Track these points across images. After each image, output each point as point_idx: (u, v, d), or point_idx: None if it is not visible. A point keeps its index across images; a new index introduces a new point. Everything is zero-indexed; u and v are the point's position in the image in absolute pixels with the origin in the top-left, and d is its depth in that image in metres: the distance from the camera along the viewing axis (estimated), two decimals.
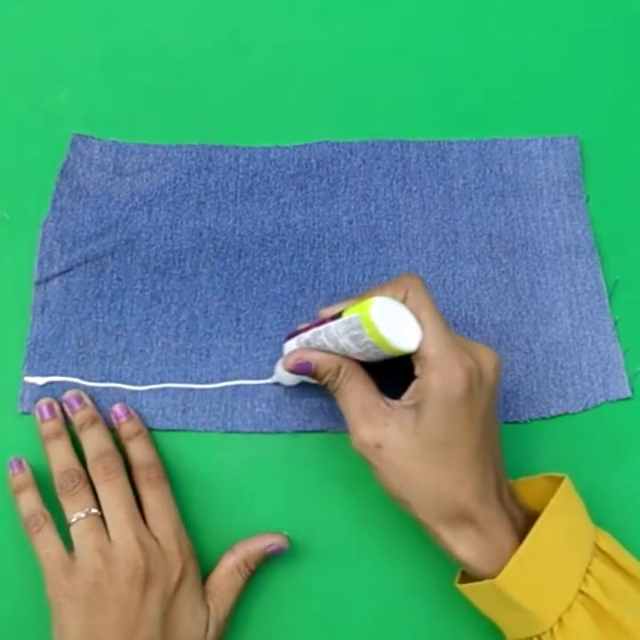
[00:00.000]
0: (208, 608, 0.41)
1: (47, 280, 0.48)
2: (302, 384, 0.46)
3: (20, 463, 0.43)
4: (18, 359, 0.47)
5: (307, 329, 0.41)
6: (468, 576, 0.39)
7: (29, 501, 0.42)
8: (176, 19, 0.55)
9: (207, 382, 0.47)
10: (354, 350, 0.38)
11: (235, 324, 0.48)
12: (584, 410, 0.47)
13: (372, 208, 0.50)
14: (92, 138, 0.51)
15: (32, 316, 0.47)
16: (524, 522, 0.39)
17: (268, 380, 0.47)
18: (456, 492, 0.37)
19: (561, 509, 0.38)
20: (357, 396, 0.39)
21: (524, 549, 0.37)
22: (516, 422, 0.46)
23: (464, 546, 0.38)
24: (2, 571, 0.43)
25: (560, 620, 0.37)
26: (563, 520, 0.38)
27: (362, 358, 0.39)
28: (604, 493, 0.45)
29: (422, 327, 0.38)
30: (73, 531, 0.40)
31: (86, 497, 0.41)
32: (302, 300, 0.48)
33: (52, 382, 0.46)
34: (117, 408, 0.45)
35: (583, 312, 0.48)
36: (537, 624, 0.37)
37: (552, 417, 0.47)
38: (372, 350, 0.38)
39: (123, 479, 0.42)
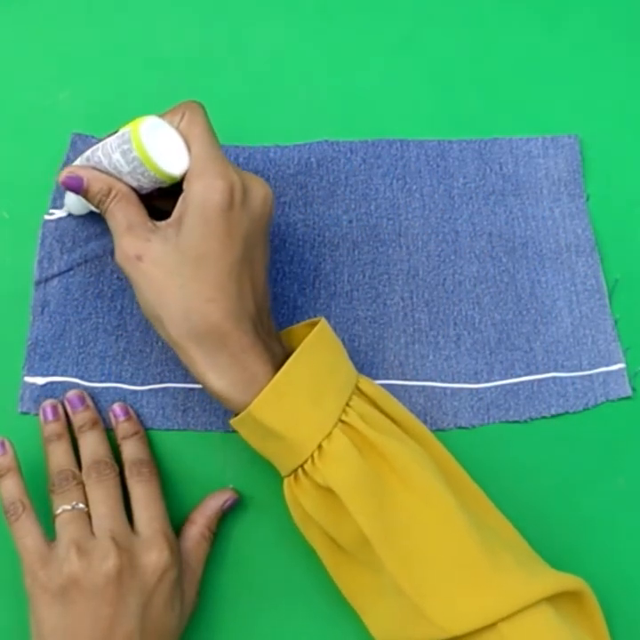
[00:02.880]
0: (184, 592, 0.41)
1: (47, 280, 0.48)
2: None
3: (2, 445, 0.43)
4: (18, 359, 0.47)
5: None
6: None
7: (9, 488, 0.41)
8: (176, 19, 0.55)
9: None
10: (125, 169, 0.39)
11: None
12: (584, 409, 0.47)
13: (372, 207, 0.50)
14: (92, 137, 0.51)
15: (32, 315, 0.47)
16: (283, 359, 0.39)
17: (62, 212, 0.48)
18: (207, 310, 0.37)
19: (317, 346, 0.39)
20: (125, 215, 0.39)
21: (279, 377, 0.37)
22: (516, 422, 0.46)
23: (215, 373, 0.38)
24: None
25: (320, 446, 0.38)
26: (319, 355, 0.39)
27: (133, 182, 0.40)
28: (603, 493, 0.45)
29: (191, 145, 0.38)
30: (57, 522, 0.40)
31: (76, 493, 0.41)
32: (302, 299, 0.48)
33: (52, 382, 0.46)
34: (117, 407, 0.45)
35: (583, 311, 0.48)
36: (299, 452, 0.38)
37: (552, 416, 0.47)
38: (139, 169, 0.38)
39: (114, 482, 0.42)
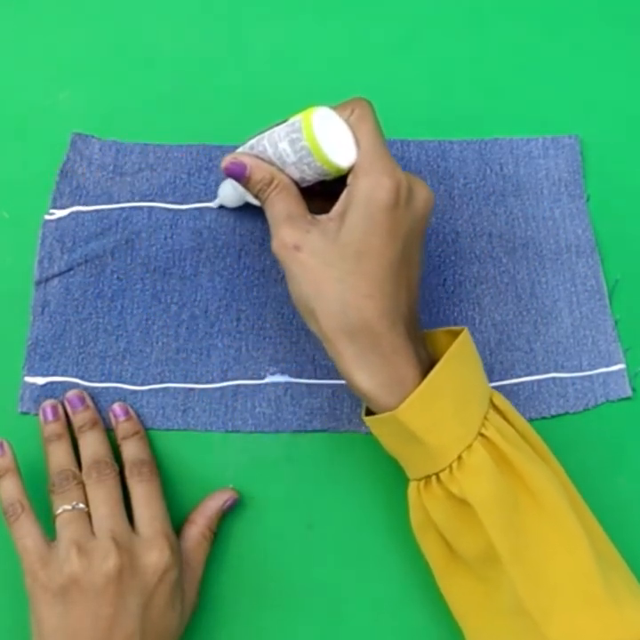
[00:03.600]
0: (184, 593, 0.41)
1: (47, 280, 0.48)
2: (303, 385, 0.46)
3: (1, 446, 0.43)
4: (18, 359, 0.47)
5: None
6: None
7: (8, 489, 0.41)
8: (176, 19, 0.55)
9: (207, 382, 0.47)
10: (290, 159, 0.39)
11: (235, 323, 0.48)
12: (584, 409, 0.47)
13: None
14: (92, 137, 0.51)
15: (32, 315, 0.47)
16: (428, 363, 0.38)
17: (212, 203, 0.49)
18: (364, 306, 0.37)
19: (462, 355, 0.39)
20: (286, 205, 0.39)
21: (427, 383, 0.37)
22: None
23: (365, 372, 0.37)
24: None
25: (460, 457, 0.37)
26: (463, 365, 0.39)
27: (296, 173, 0.39)
28: (604, 493, 0.45)
29: (360, 140, 0.38)
30: (57, 522, 0.41)
31: (77, 493, 0.41)
32: None
33: (52, 382, 0.46)
34: (117, 407, 0.45)
35: (583, 311, 0.48)
36: (437, 460, 0.38)
37: (552, 417, 0.47)
38: (305, 159, 0.38)
39: (114, 482, 0.42)
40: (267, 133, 0.40)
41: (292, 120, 0.39)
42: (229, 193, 0.48)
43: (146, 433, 0.45)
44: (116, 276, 0.48)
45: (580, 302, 0.49)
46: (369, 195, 0.37)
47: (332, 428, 0.46)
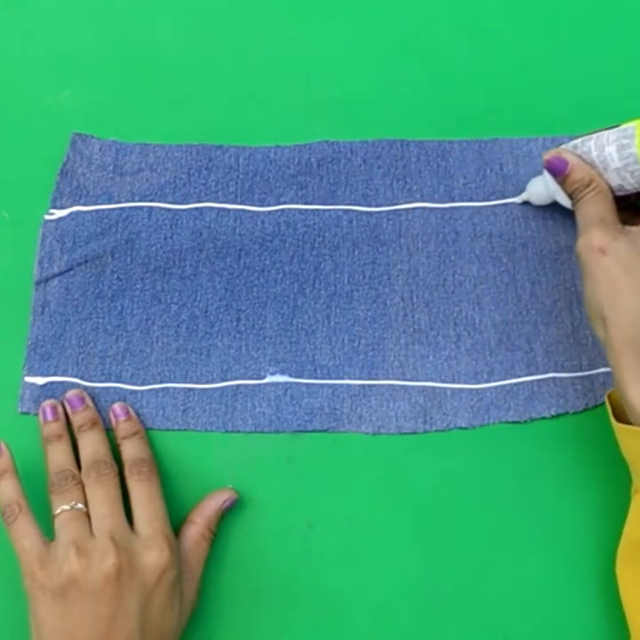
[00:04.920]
0: (183, 592, 0.41)
1: (47, 280, 0.48)
2: (303, 385, 0.46)
3: None
4: (18, 359, 0.47)
5: None
6: (621, 416, 0.39)
7: (6, 490, 0.41)
8: (176, 19, 0.55)
9: (207, 382, 0.47)
10: (613, 164, 0.39)
11: (235, 323, 0.48)
12: (584, 409, 0.47)
13: (372, 207, 0.50)
14: (92, 137, 0.51)
15: (32, 315, 0.47)
16: None
17: (516, 199, 0.49)
18: None
19: None
20: (599, 209, 0.40)
21: None
22: (516, 422, 0.46)
23: None
24: None
25: None
26: None
27: (616, 180, 0.40)
28: (603, 493, 0.45)
29: None
30: (56, 522, 0.41)
31: (76, 493, 0.41)
32: (302, 299, 0.48)
33: (52, 382, 0.46)
34: (117, 407, 0.45)
35: (584, 311, 0.48)
36: None
37: (552, 417, 0.47)
38: (631, 167, 0.39)
39: (113, 482, 0.42)
40: (595, 135, 0.41)
41: (624, 126, 0.40)
42: (540, 190, 0.47)
43: (146, 433, 0.45)
44: (116, 276, 0.48)
45: (579, 302, 0.49)
46: None
47: (331, 428, 0.46)
